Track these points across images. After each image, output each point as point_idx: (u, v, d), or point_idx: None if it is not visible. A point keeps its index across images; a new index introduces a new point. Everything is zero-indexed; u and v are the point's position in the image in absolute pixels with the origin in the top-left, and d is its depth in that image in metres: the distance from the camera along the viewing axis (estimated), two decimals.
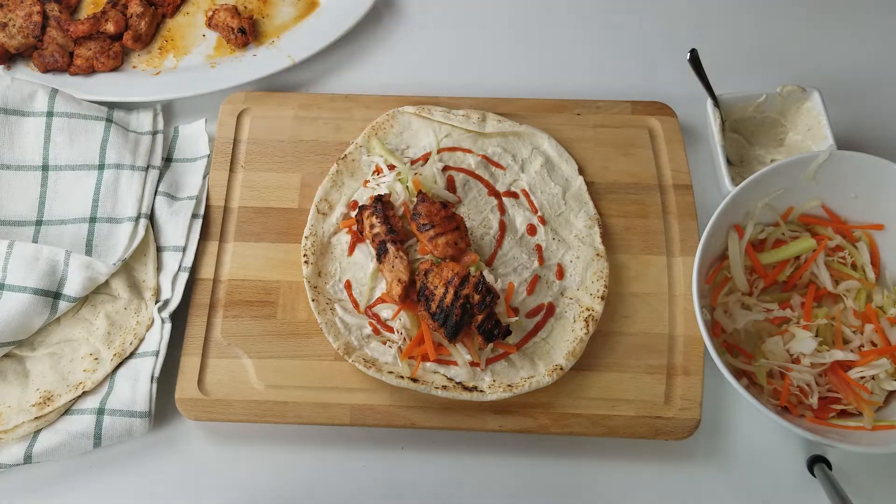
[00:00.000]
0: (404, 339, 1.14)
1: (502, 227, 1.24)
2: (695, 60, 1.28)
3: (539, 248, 1.23)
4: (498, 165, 1.29)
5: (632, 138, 1.32)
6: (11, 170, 1.27)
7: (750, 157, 1.32)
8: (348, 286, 1.20)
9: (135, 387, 1.13)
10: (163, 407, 1.16)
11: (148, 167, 1.28)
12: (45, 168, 1.27)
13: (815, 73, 1.41)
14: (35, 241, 1.23)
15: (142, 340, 1.17)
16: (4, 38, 1.37)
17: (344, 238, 1.23)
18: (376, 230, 1.15)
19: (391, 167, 1.25)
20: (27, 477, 1.13)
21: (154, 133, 1.33)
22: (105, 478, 1.13)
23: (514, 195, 1.27)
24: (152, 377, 1.14)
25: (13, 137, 1.27)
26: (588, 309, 1.17)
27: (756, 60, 1.46)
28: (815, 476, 1.11)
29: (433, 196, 1.21)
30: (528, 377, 1.12)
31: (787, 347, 1.13)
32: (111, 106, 1.34)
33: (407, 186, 1.21)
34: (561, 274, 1.21)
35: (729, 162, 1.28)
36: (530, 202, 1.26)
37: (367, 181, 1.25)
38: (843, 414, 1.11)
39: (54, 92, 1.29)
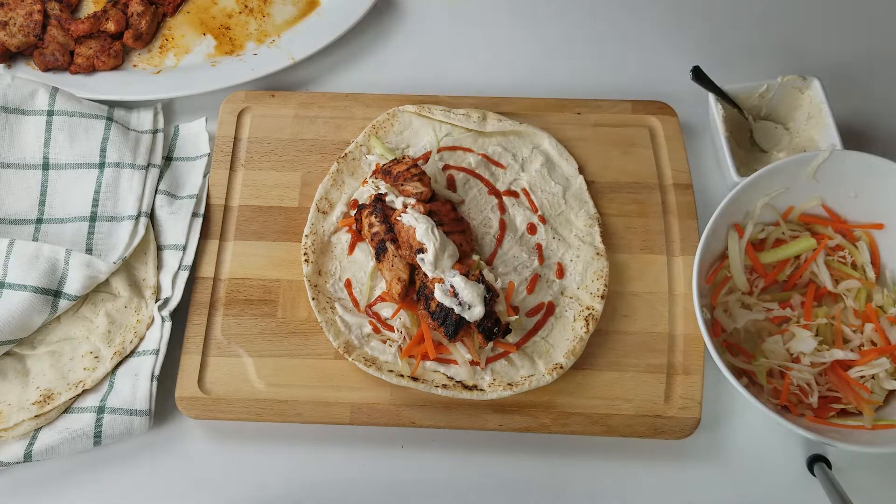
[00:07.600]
0: (404, 337, 1.14)
1: (502, 225, 1.23)
2: (698, 76, 1.27)
3: (539, 246, 1.23)
4: (498, 164, 1.29)
5: (632, 137, 1.32)
6: (12, 168, 1.27)
7: (758, 140, 1.33)
8: (348, 285, 1.20)
9: (135, 385, 1.13)
10: (163, 405, 1.16)
11: (148, 166, 1.28)
12: (45, 167, 1.27)
13: (818, 64, 1.41)
14: (35, 239, 1.23)
15: (142, 339, 1.17)
16: (5, 37, 1.37)
17: (344, 237, 1.23)
18: (375, 229, 1.15)
19: None
20: (27, 475, 1.13)
21: (154, 132, 1.33)
22: (105, 476, 1.13)
23: (514, 194, 1.27)
24: (152, 376, 1.14)
25: (14, 136, 1.27)
26: (588, 308, 1.17)
27: (757, 52, 1.46)
28: (814, 475, 1.11)
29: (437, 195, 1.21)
30: (528, 376, 1.12)
31: (787, 347, 1.13)
32: (112, 105, 1.34)
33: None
34: (561, 273, 1.21)
35: (734, 152, 1.26)
36: (530, 201, 1.26)
37: (366, 180, 1.25)
38: (843, 413, 1.11)
39: (55, 91, 1.29)
